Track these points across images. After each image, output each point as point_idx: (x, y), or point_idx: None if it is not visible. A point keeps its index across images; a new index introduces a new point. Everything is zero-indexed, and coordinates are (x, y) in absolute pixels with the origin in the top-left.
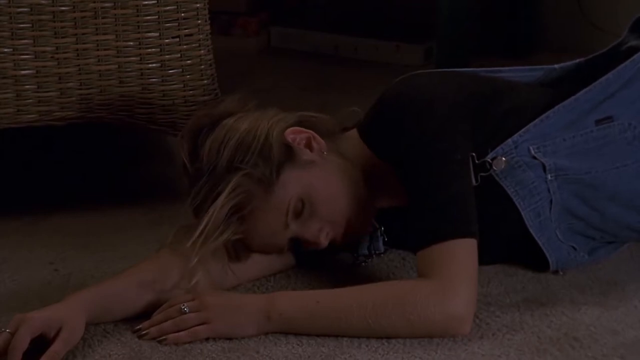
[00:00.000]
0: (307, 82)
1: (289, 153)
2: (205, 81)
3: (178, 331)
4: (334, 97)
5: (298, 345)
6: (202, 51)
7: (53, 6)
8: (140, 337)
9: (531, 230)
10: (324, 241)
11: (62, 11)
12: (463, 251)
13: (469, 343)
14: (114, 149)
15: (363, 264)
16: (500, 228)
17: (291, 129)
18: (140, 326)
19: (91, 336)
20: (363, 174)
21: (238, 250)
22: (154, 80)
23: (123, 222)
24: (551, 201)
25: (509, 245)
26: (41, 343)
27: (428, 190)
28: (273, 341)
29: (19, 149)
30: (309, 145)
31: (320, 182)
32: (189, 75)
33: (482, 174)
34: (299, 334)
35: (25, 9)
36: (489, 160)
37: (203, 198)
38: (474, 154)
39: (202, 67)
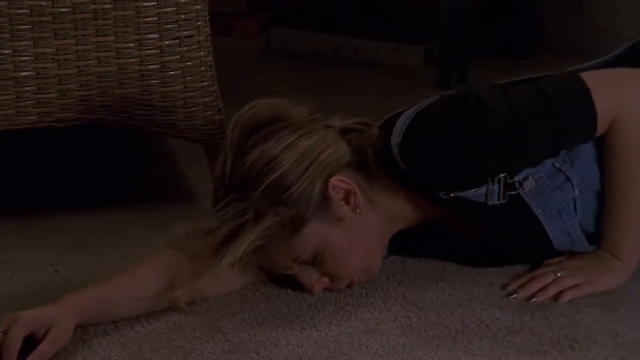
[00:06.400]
0: (307, 84)
1: (324, 204)
2: (205, 83)
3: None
4: (334, 99)
5: (298, 346)
6: (202, 53)
7: (53, 8)
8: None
9: (561, 249)
10: (317, 290)
11: (62, 13)
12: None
13: (469, 344)
14: (114, 149)
15: None
16: (529, 243)
17: (336, 178)
18: (512, 288)
19: (91, 337)
20: (388, 222)
21: None
22: (153, 81)
23: (123, 223)
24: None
25: (537, 256)
26: (31, 343)
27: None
28: (273, 342)
29: (19, 150)
30: (346, 198)
31: (341, 242)
32: (189, 76)
33: (510, 192)
34: (298, 336)
35: (25, 11)
36: (519, 180)
37: (230, 217)
38: (506, 174)
39: (202, 68)
